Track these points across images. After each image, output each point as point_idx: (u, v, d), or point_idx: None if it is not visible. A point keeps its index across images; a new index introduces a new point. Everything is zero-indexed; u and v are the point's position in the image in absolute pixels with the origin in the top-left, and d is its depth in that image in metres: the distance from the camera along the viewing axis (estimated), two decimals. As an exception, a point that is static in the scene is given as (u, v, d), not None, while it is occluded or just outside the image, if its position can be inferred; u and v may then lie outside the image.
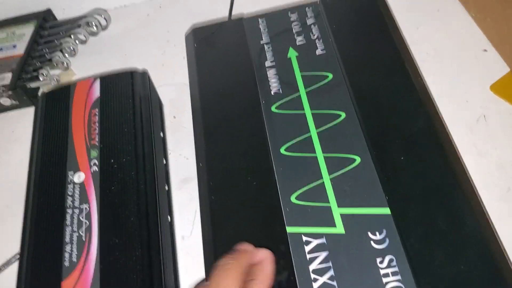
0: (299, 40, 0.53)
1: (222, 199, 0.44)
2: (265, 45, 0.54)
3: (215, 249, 0.42)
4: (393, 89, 0.48)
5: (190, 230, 0.53)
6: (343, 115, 0.47)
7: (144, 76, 0.58)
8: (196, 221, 0.54)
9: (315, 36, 0.53)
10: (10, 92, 0.62)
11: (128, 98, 0.55)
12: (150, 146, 0.53)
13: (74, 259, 0.44)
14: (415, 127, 0.45)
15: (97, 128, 0.53)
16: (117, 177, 0.49)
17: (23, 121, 0.66)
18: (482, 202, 0.41)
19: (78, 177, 0.49)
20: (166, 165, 0.57)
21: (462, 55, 0.61)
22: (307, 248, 0.40)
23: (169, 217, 0.53)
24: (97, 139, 0.52)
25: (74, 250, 0.45)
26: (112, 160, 0.50)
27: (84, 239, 0.45)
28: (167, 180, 0.56)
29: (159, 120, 0.60)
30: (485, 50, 0.61)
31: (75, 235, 0.46)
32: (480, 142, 0.54)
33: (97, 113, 0.54)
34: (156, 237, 0.47)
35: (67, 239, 0.46)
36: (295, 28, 0.54)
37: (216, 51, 0.55)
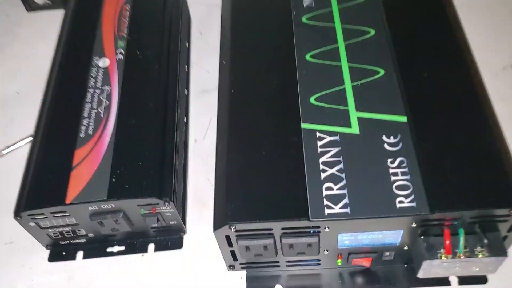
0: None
1: (241, 93, 0.44)
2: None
3: (229, 138, 0.42)
4: (426, 14, 0.48)
5: (203, 135, 0.54)
6: (373, 32, 0.47)
7: (178, -13, 0.59)
8: (210, 128, 0.54)
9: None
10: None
11: (161, 2, 0.55)
12: (176, 48, 0.54)
13: (90, 132, 0.45)
14: (443, 51, 0.45)
15: (127, 22, 0.53)
16: (141, 67, 0.50)
17: (54, 22, 0.66)
18: (500, 125, 0.41)
19: (103, 62, 0.50)
20: (188, 73, 0.58)
21: (497, 8, 0.61)
22: (320, 143, 0.40)
23: (185, 117, 0.53)
24: (125, 31, 0.52)
25: (91, 124, 0.46)
26: (138, 52, 0.51)
27: (102, 116, 0.46)
28: (187, 85, 0.57)
29: (187, 29, 0.60)
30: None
31: (93, 111, 0.47)
32: (503, 88, 0.54)
33: (128, 9, 0.54)
34: (171, 125, 0.47)
35: (86, 114, 0.46)
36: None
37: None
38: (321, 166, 0.39)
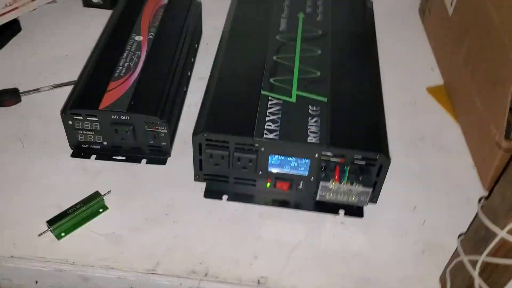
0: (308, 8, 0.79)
1: (230, 64, 0.68)
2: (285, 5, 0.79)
3: (217, 85, 0.65)
4: (357, 46, 0.73)
5: (195, 103, 0.76)
6: (320, 51, 0.71)
7: (198, 5, 0.84)
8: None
9: (319, 10, 0.79)
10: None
11: (185, 10, 0.80)
12: (188, 43, 0.78)
13: (122, 74, 0.67)
14: (361, 67, 0.69)
15: (159, 19, 0.77)
16: (164, 44, 0.73)
17: (101, 17, 0.90)
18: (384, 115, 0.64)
19: (138, 38, 0.73)
20: (193, 64, 0.81)
21: (415, 68, 0.86)
22: (270, 102, 0.63)
23: (185, 88, 0.76)
24: (157, 24, 0.76)
25: (124, 70, 0.68)
26: (163, 36, 0.74)
27: (131, 67, 0.69)
28: (190, 71, 0.80)
29: (198, 36, 0.85)
30: (432, 69, 0.86)
31: (126, 63, 0.69)
32: (406, 111, 0.77)
33: (161, 12, 0.79)
34: (177, 83, 0.70)
35: (121, 64, 0.69)
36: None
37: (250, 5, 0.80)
38: (267, 113, 0.61)
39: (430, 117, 0.78)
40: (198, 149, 0.60)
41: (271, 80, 0.66)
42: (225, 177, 0.63)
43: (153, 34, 0.74)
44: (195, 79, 0.80)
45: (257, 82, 0.65)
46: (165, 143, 0.66)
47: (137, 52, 0.71)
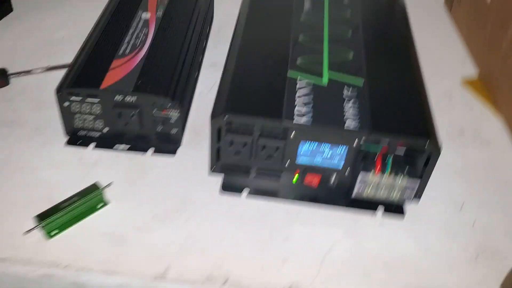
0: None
1: (251, 43, 0.59)
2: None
3: (237, 63, 0.57)
4: (391, 27, 0.65)
5: (207, 91, 0.68)
6: (350, 32, 0.63)
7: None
8: (214, 89, 0.68)
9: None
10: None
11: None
12: (201, 23, 0.69)
13: (127, 52, 0.59)
14: (396, 49, 0.61)
15: (168, -4, 0.69)
16: (173, 22, 0.65)
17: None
18: (429, 99, 0.56)
19: (146, 15, 0.65)
20: (205, 47, 0.73)
21: (446, 60, 0.79)
22: (299, 84, 0.54)
23: (196, 72, 0.67)
24: (166, 1, 0.68)
25: (129, 48, 0.60)
26: (173, 13, 0.66)
27: (137, 45, 0.60)
28: (202, 53, 0.71)
29: (210, 20, 0.76)
30: (465, 61, 0.79)
31: (132, 41, 0.61)
32: (442, 104, 0.70)
33: (171, -11, 0.71)
34: (189, 62, 0.61)
35: (126, 41, 0.61)
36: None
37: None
38: (297, 95, 0.53)
39: (468, 110, 0.70)
40: (217, 135, 0.52)
41: (298, 60, 0.58)
42: (246, 168, 0.55)
43: (162, 11, 0.66)
44: (206, 65, 0.72)
45: (283, 61, 0.57)
46: (176, 130, 0.57)
47: (145, 28, 0.63)
